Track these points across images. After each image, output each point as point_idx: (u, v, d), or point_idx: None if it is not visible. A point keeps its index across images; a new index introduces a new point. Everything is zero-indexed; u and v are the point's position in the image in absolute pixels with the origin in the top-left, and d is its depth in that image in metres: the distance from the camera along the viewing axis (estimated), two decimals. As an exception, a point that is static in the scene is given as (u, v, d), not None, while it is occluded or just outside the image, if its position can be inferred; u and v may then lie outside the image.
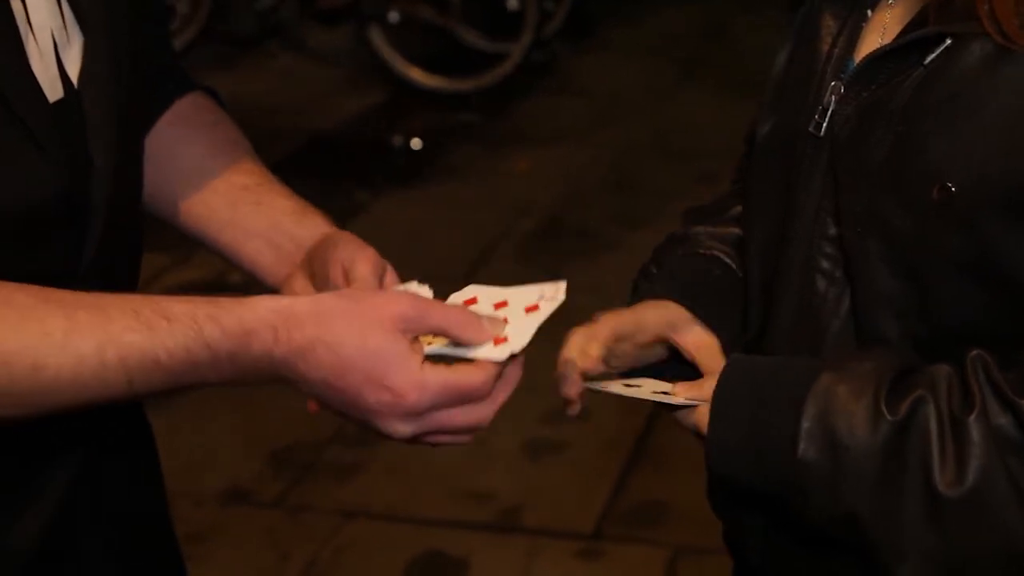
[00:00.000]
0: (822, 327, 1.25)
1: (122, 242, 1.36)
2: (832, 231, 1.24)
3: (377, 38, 6.01)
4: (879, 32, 1.25)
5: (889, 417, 1.13)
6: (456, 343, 1.17)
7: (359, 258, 1.33)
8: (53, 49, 1.26)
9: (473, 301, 1.23)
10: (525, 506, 3.39)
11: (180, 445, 3.55)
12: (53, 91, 1.25)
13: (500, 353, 1.15)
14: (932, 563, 1.14)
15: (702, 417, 1.21)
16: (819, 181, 1.26)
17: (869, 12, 1.28)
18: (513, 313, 1.20)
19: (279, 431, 3.70)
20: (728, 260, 1.41)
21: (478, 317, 1.17)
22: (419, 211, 5.05)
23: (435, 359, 1.15)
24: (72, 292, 1.17)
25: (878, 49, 1.24)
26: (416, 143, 5.64)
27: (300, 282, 1.39)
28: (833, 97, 1.26)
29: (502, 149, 5.58)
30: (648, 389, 1.28)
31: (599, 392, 1.29)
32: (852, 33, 1.28)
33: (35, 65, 1.23)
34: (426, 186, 5.26)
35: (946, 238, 1.17)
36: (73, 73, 1.27)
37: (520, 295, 1.22)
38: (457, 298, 1.25)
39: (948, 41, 1.18)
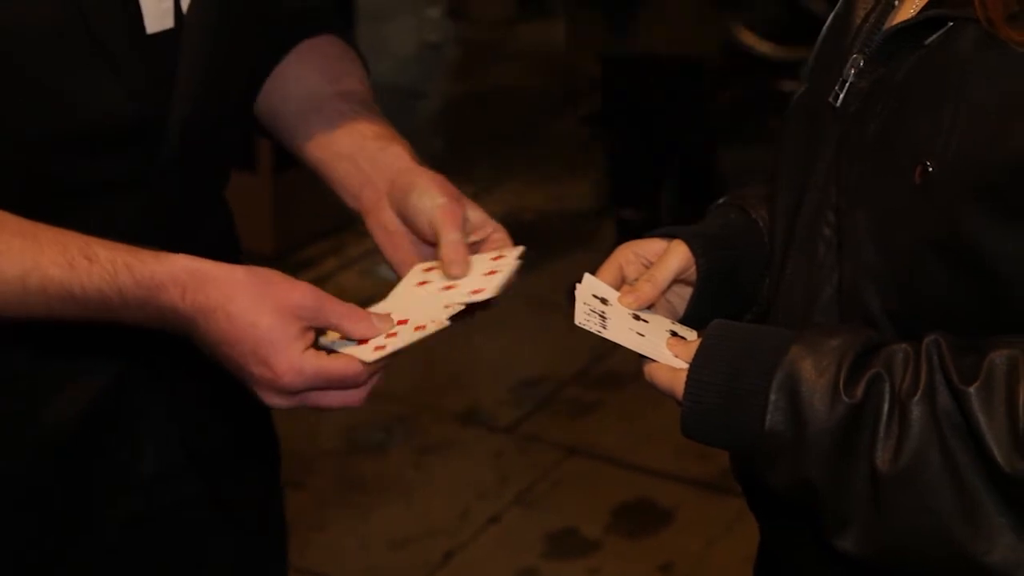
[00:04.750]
0: (815, 294, 1.31)
1: (200, 170, 1.49)
2: (835, 200, 1.29)
3: (714, -1, 6.06)
4: (909, 9, 1.27)
5: (846, 399, 1.19)
6: (347, 338, 1.31)
7: (446, 220, 1.44)
8: None
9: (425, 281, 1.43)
10: (744, 471, 3.46)
11: (428, 363, 3.77)
12: (161, 22, 1.40)
13: (375, 355, 1.30)
14: (871, 536, 1.20)
15: (678, 381, 1.27)
16: (831, 151, 1.31)
17: None
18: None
19: (527, 363, 3.88)
20: (750, 209, 1.45)
21: (367, 315, 1.31)
22: (715, 173, 5.10)
23: (327, 350, 1.30)
24: (20, 219, 1.32)
25: (893, 26, 1.27)
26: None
27: (387, 214, 1.49)
28: (852, 70, 1.29)
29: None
30: (658, 326, 1.34)
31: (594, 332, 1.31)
32: (885, 8, 1.31)
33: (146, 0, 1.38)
34: (724, 151, 5.30)
35: (922, 216, 1.21)
36: (185, 5, 1.42)
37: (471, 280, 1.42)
38: (418, 270, 1.46)
39: (950, 24, 1.22)
